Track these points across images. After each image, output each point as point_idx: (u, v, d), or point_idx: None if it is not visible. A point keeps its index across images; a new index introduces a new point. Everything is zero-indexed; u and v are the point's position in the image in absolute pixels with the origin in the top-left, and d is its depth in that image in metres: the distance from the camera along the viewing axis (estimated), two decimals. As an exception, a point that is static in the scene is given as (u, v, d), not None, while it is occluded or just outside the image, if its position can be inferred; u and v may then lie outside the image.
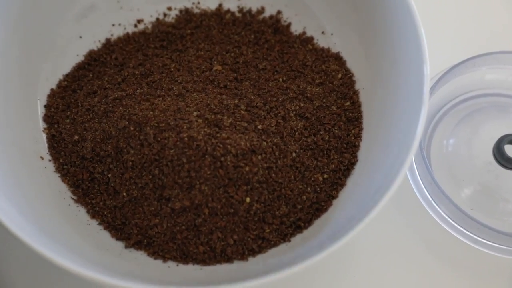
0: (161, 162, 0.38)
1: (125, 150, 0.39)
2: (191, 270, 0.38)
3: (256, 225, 0.38)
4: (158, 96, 0.41)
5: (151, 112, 0.39)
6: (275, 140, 0.39)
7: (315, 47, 0.46)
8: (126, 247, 0.39)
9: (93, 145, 0.41)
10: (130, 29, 0.47)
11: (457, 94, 0.48)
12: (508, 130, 0.44)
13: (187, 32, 0.47)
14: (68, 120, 0.43)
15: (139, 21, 0.48)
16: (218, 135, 0.38)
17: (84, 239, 0.39)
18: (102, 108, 0.41)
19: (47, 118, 0.43)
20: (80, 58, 0.46)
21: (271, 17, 0.48)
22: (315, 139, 0.41)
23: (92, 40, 0.47)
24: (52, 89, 0.45)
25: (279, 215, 0.39)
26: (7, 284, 0.42)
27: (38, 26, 0.43)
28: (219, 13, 0.48)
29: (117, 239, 0.39)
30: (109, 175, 0.40)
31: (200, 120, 0.39)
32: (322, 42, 0.46)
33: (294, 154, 0.40)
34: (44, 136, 0.43)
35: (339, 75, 0.44)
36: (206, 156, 0.37)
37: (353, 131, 0.42)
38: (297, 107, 0.42)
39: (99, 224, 0.40)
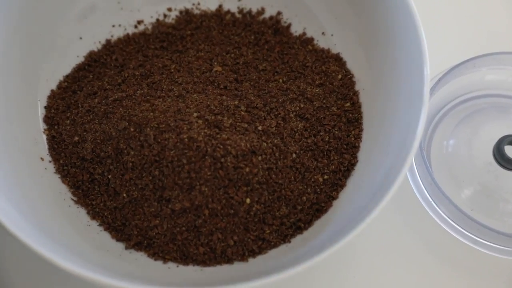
0: (161, 163, 0.38)
1: (125, 151, 0.39)
2: (191, 271, 0.38)
3: (256, 226, 0.38)
4: (158, 97, 0.41)
5: (151, 113, 0.39)
6: (275, 141, 0.39)
7: (315, 48, 0.46)
8: (126, 248, 0.39)
9: (93, 146, 0.41)
10: (130, 30, 0.47)
11: (457, 95, 0.48)
12: (508, 130, 0.44)
13: (187, 33, 0.47)
14: (68, 121, 0.43)
15: (139, 22, 0.48)
16: (218, 136, 0.38)
17: (84, 240, 0.39)
18: (102, 109, 0.41)
19: (47, 119, 0.43)
20: (80, 59, 0.46)
21: (271, 18, 0.48)
22: (315, 140, 0.41)
23: (92, 41, 0.47)
24: (52, 90, 0.45)
25: (279, 216, 0.39)
26: (7, 285, 0.42)
27: (38, 27, 0.43)
28: (219, 14, 0.48)
29: (117, 240, 0.39)
30: (109, 176, 0.40)
31: (200, 121, 0.39)
32: (322, 43, 0.47)
33: (294, 155, 0.40)
34: (44, 137, 0.43)
35: (339, 76, 0.44)
36: (206, 157, 0.37)
37: (353, 132, 0.42)
38: (297, 108, 0.42)
39: (100, 225, 0.40)
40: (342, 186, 0.41)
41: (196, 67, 0.44)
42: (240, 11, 0.48)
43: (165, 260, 0.38)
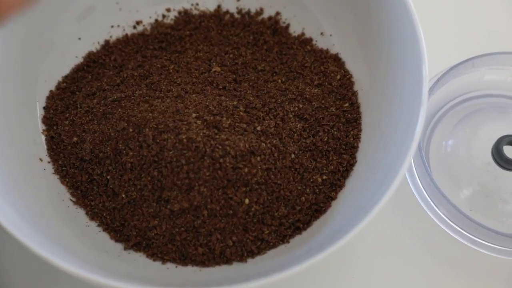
0: (160, 163, 0.38)
1: (124, 151, 0.39)
2: (190, 271, 0.38)
3: (255, 227, 0.38)
4: (157, 97, 0.41)
5: (150, 114, 0.39)
6: (274, 141, 0.39)
7: (314, 48, 0.46)
8: (125, 248, 0.39)
9: (92, 147, 0.41)
10: (129, 31, 0.47)
11: (456, 95, 0.48)
12: (507, 131, 0.44)
13: (186, 34, 0.47)
14: (67, 122, 0.43)
15: (138, 23, 0.48)
16: (217, 136, 0.38)
17: (83, 240, 0.39)
18: (101, 110, 0.41)
19: (46, 120, 0.43)
20: (79, 60, 0.46)
21: (270, 18, 0.48)
22: (314, 140, 0.41)
23: (91, 41, 0.47)
24: (51, 91, 0.45)
25: (278, 217, 0.39)
26: (6, 285, 0.42)
27: (36, 28, 0.43)
28: (218, 15, 0.48)
29: (116, 240, 0.39)
30: (108, 177, 0.40)
31: (199, 122, 0.39)
32: (321, 43, 0.46)
33: (293, 156, 0.40)
34: (43, 137, 0.43)
35: (338, 76, 0.44)
36: (205, 157, 0.37)
37: (352, 132, 0.42)
38: (296, 108, 0.42)
39: (98, 225, 0.40)
40: (341, 186, 0.41)
41: (195, 68, 0.44)
42: (239, 11, 0.48)
43: (164, 260, 0.38)
